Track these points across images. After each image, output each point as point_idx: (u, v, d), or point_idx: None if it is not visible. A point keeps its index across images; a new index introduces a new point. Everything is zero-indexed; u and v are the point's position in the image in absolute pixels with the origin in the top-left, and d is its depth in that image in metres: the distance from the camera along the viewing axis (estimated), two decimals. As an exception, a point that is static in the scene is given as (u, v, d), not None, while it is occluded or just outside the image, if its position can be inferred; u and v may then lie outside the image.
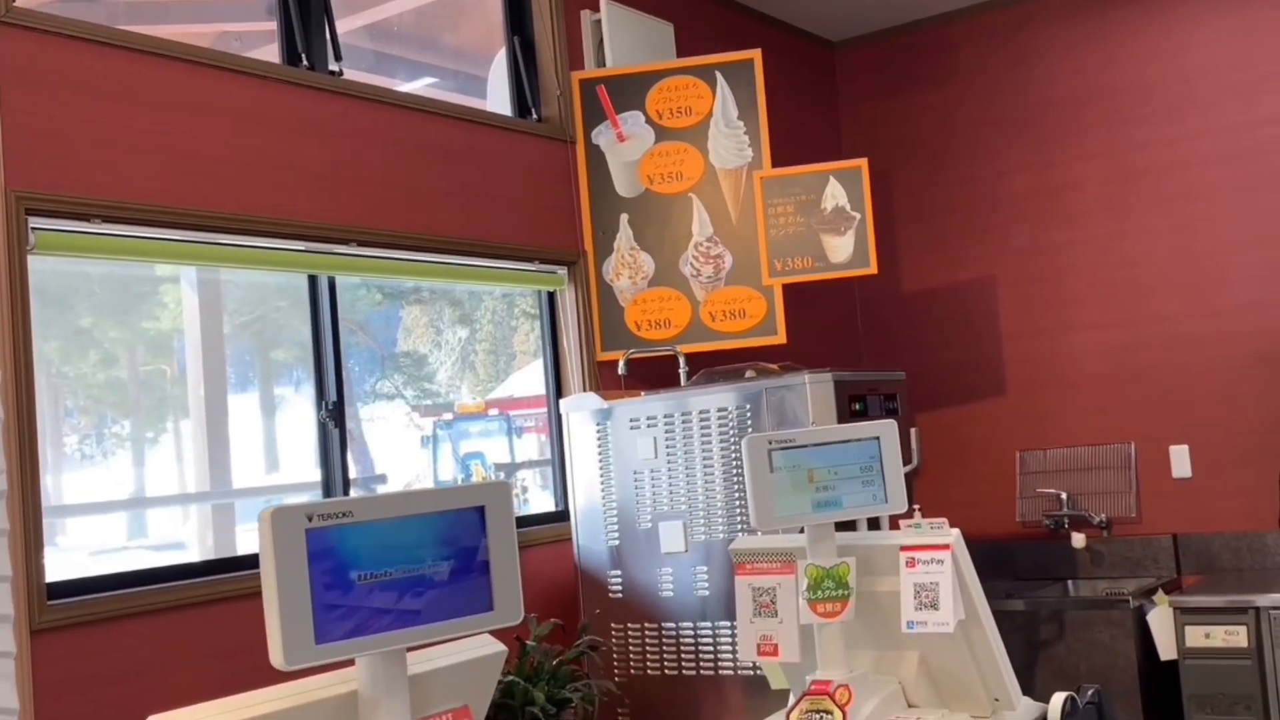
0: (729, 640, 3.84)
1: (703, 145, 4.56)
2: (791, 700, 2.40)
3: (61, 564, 3.09)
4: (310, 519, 1.52)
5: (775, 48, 5.49)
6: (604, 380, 4.51)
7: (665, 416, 3.97)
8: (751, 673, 3.76)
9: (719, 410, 3.88)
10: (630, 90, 4.59)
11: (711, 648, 3.88)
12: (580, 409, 4.15)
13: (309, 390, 3.77)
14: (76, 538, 3.31)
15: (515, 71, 4.57)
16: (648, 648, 4.01)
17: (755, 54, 4.58)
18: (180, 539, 3.54)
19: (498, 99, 4.58)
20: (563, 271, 4.53)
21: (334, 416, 3.75)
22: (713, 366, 4.24)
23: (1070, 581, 5.28)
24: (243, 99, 3.49)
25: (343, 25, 3.93)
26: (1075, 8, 5.47)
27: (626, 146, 4.58)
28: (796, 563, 2.40)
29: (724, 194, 4.56)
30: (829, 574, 2.35)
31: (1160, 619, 4.51)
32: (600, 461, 4.10)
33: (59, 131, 3.06)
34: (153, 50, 3.28)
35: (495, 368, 4.60)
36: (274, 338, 3.84)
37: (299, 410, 3.78)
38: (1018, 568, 5.43)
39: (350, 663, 1.61)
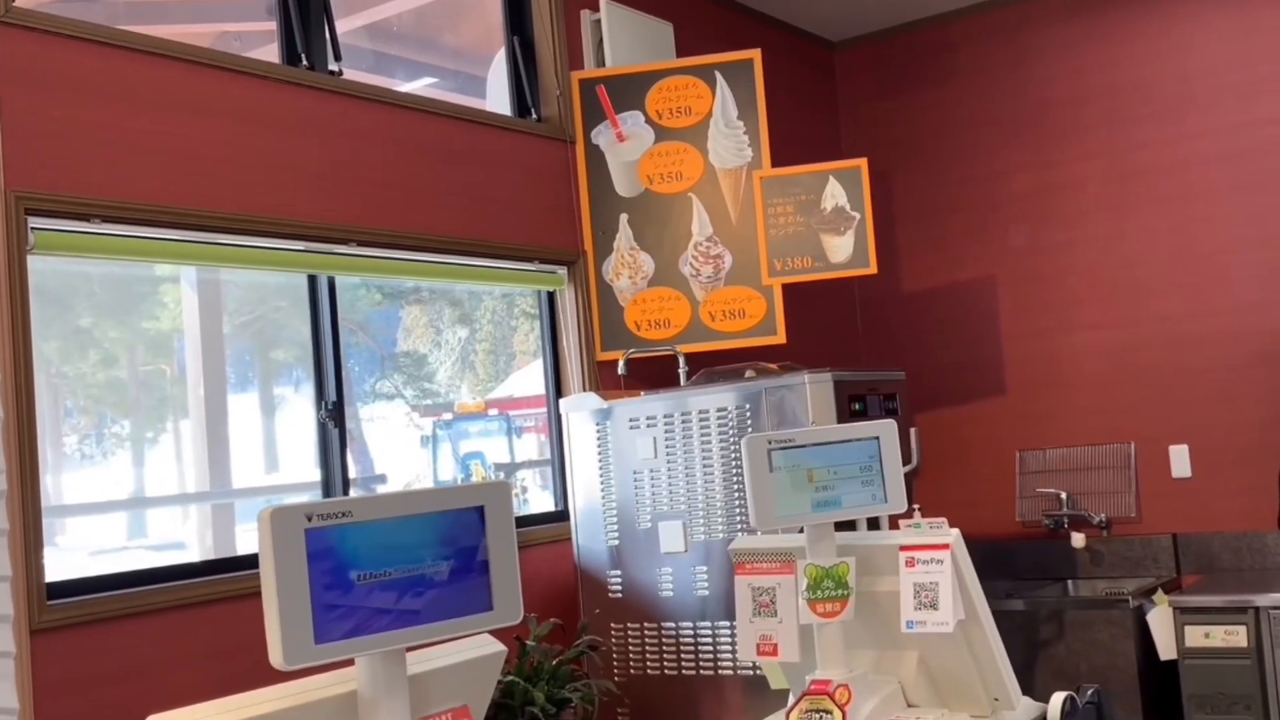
0: (729, 640, 3.84)
1: (702, 145, 4.56)
2: (791, 700, 2.40)
3: (61, 564, 3.09)
4: (310, 519, 1.52)
5: (775, 48, 5.49)
6: (604, 380, 4.51)
7: (665, 416, 3.97)
8: (751, 672, 3.76)
9: (719, 410, 3.88)
10: (630, 90, 4.59)
11: (711, 647, 3.88)
12: (580, 409, 4.15)
13: (309, 390, 3.77)
14: (76, 538, 3.31)
15: (515, 71, 4.57)
16: (647, 648, 4.01)
17: (755, 54, 4.58)
18: (180, 539, 3.54)
19: (497, 99, 4.58)
20: (562, 271, 4.53)
21: (334, 416, 3.75)
22: (712, 366, 4.24)
23: (1070, 581, 5.28)
24: (243, 99, 3.49)
25: (342, 25, 3.94)
26: (1075, 8, 5.47)
27: (626, 146, 4.58)
28: (796, 562, 2.40)
29: (724, 194, 4.56)
30: (828, 574, 2.35)
31: (1160, 619, 4.51)
32: (600, 461, 4.10)
33: (59, 131, 3.06)
34: (152, 50, 3.28)
35: (495, 368, 4.61)
36: (274, 338, 3.84)
37: (299, 410, 3.78)
38: (1017, 567, 5.43)
39: (350, 662, 1.61)
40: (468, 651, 1.78)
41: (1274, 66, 5.03)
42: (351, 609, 1.55)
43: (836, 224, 4.50)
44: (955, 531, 2.35)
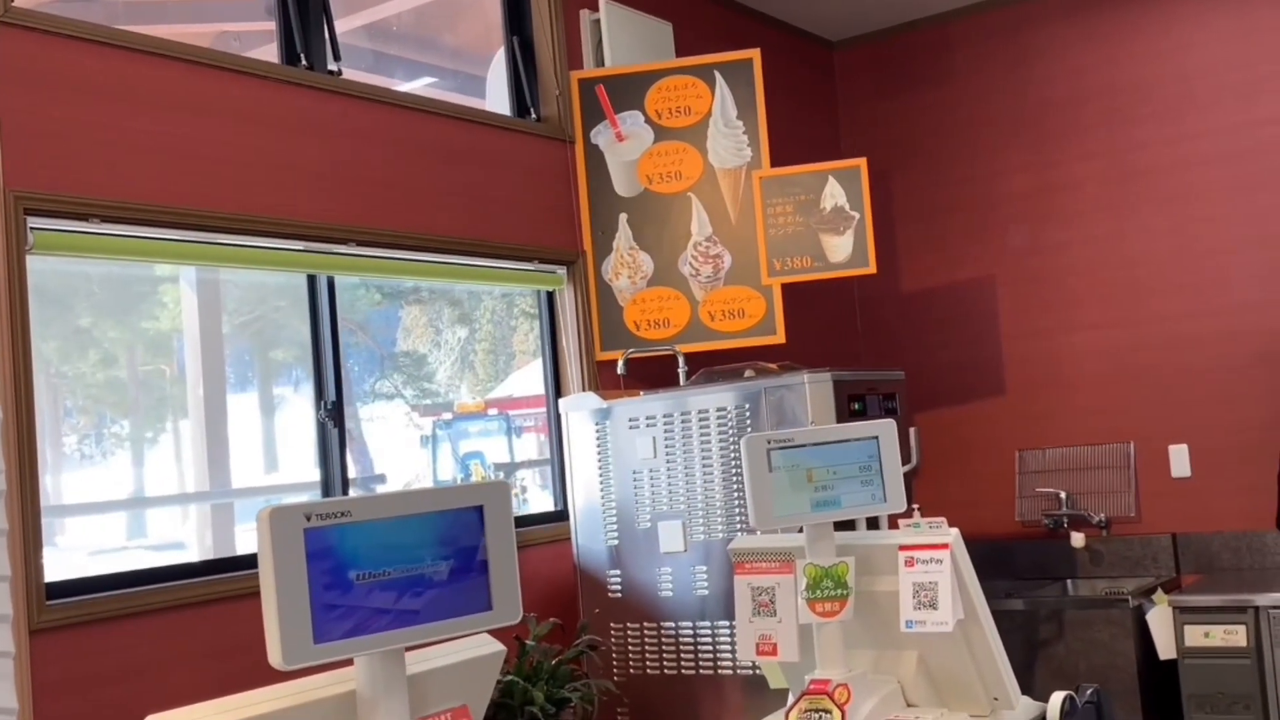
0: (728, 640, 3.84)
1: (702, 145, 4.56)
2: (790, 699, 2.40)
3: (61, 564, 3.09)
4: (309, 519, 1.52)
5: (774, 47, 5.49)
6: (603, 380, 4.51)
7: (664, 416, 3.97)
8: (750, 672, 3.76)
9: (718, 410, 3.88)
10: (629, 90, 4.59)
11: (710, 647, 3.88)
12: (579, 409, 4.15)
13: (308, 390, 3.77)
14: (76, 537, 3.32)
15: (514, 71, 4.57)
16: (647, 647, 4.01)
17: (754, 54, 4.58)
18: (179, 539, 3.55)
19: (497, 99, 4.58)
20: (562, 271, 4.53)
21: (333, 416, 3.75)
22: (712, 366, 4.24)
23: (1069, 581, 5.28)
24: (242, 99, 3.49)
25: (341, 25, 3.93)
26: (1074, 7, 5.47)
27: (625, 146, 4.58)
28: (795, 562, 2.40)
29: (723, 194, 4.56)
30: (828, 573, 2.35)
31: (1159, 618, 4.51)
32: (599, 461, 4.10)
33: (58, 131, 3.06)
34: (152, 50, 3.28)
35: (494, 367, 4.61)
36: (273, 337, 3.84)
37: (298, 410, 3.78)
38: (1017, 567, 5.43)
39: (349, 662, 1.61)
40: (467, 651, 1.78)
41: (1273, 66, 5.03)
42: (351, 609, 1.55)
43: (836, 224, 4.50)
44: (954, 531, 2.35)
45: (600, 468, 4.10)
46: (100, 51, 3.16)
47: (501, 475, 4.52)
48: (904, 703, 2.42)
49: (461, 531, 1.67)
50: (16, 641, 2.78)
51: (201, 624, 3.20)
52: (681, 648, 3.93)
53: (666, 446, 3.96)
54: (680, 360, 4.35)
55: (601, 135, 4.59)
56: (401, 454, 4.24)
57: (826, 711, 2.29)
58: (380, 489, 4.07)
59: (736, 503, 3.82)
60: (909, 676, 2.42)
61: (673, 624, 3.95)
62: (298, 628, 1.49)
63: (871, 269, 4.50)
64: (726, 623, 3.84)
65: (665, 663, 3.97)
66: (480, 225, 4.17)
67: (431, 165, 4.03)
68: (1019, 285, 5.58)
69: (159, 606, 3.12)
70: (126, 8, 3.55)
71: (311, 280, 3.79)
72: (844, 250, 4.50)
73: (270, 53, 3.76)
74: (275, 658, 1.48)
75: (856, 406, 3.86)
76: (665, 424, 3.97)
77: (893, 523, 2.72)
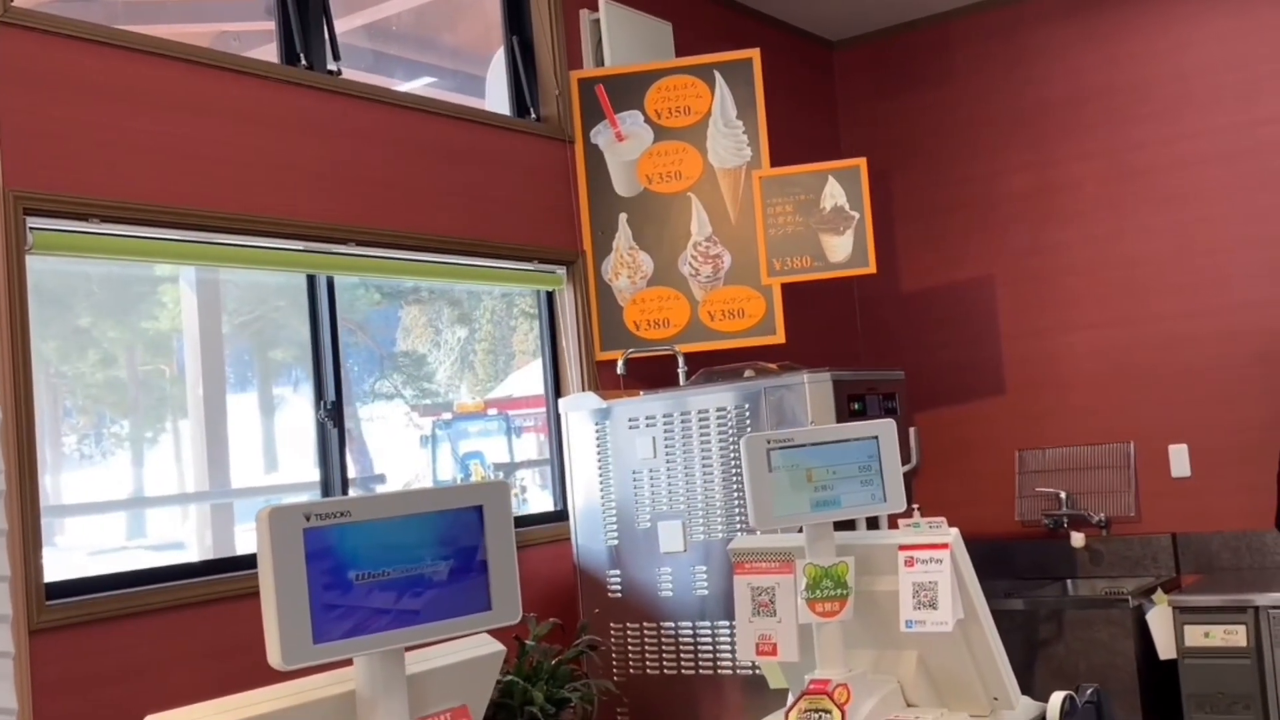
0: (728, 640, 3.84)
1: (701, 145, 4.56)
2: (790, 699, 2.40)
3: (60, 564, 3.08)
4: (308, 519, 1.52)
5: (774, 47, 5.49)
6: (603, 380, 4.51)
7: (664, 416, 3.97)
8: (750, 672, 3.76)
9: (718, 410, 3.88)
10: (629, 90, 4.59)
11: (710, 647, 3.88)
12: (579, 409, 4.15)
13: (308, 390, 3.77)
14: (75, 537, 3.31)
15: (514, 71, 4.57)
16: (647, 647, 4.01)
17: (754, 53, 4.58)
18: (179, 539, 3.54)
19: (496, 98, 4.58)
20: (561, 271, 4.53)
21: (332, 416, 3.75)
22: (711, 366, 4.24)
23: (1069, 581, 5.28)
24: (242, 99, 3.48)
25: (341, 25, 3.93)
26: (1073, 7, 5.47)
27: (625, 146, 4.58)
28: (795, 562, 2.40)
29: (723, 193, 4.56)
30: (827, 573, 2.35)
31: (1159, 618, 4.51)
32: (599, 461, 4.10)
33: (57, 131, 3.06)
34: (152, 50, 3.28)
35: (494, 367, 4.61)
36: (273, 337, 3.84)
37: (298, 410, 3.78)
38: (1017, 567, 5.43)
39: (348, 662, 1.61)
40: (466, 651, 1.78)
41: (1272, 66, 5.03)
42: (350, 609, 1.55)
43: (835, 223, 4.50)
44: (954, 531, 2.35)
45: (600, 468, 4.10)
46: (100, 51, 3.16)
47: (501, 475, 4.52)
48: (904, 703, 2.42)
49: (461, 531, 1.67)
50: (16, 641, 2.78)
51: (201, 624, 3.20)
52: (681, 648, 3.93)
53: (666, 446, 3.96)
54: (680, 360, 4.34)
55: (601, 135, 4.59)
56: (401, 454, 4.24)
57: (826, 711, 2.29)
58: (380, 489, 4.07)
59: (736, 503, 3.82)
60: (909, 676, 2.42)
61: (672, 624, 3.95)
62: (297, 628, 1.49)
63: (871, 269, 4.50)
64: (726, 623, 3.84)
65: (665, 663, 3.97)
66: (480, 225, 4.17)
67: (431, 165, 4.03)
68: (1019, 285, 5.58)
69: (159, 606, 3.12)
70: (126, 8, 3.55)
71: (311, 280, 3.79)
72: (844, 250, 4.49)
73: (270, 53, 3.76)
74: (275, 658, 1.48)
75: (856, 406, 3.86)
76: (665, 424, 3.97)
77: (892, 522, 2.72)
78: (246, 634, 3.26)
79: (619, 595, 4.07)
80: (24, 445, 2.87)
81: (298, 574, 1.50)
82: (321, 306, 3.79)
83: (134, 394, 3.48)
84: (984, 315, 5.66)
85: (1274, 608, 4.33)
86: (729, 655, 3.84)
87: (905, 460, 3.02)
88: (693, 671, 3.92)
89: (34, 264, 3.02)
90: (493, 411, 4.53)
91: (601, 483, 4.09)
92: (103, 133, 3.14)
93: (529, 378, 4.61)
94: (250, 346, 3.80)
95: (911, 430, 3.99)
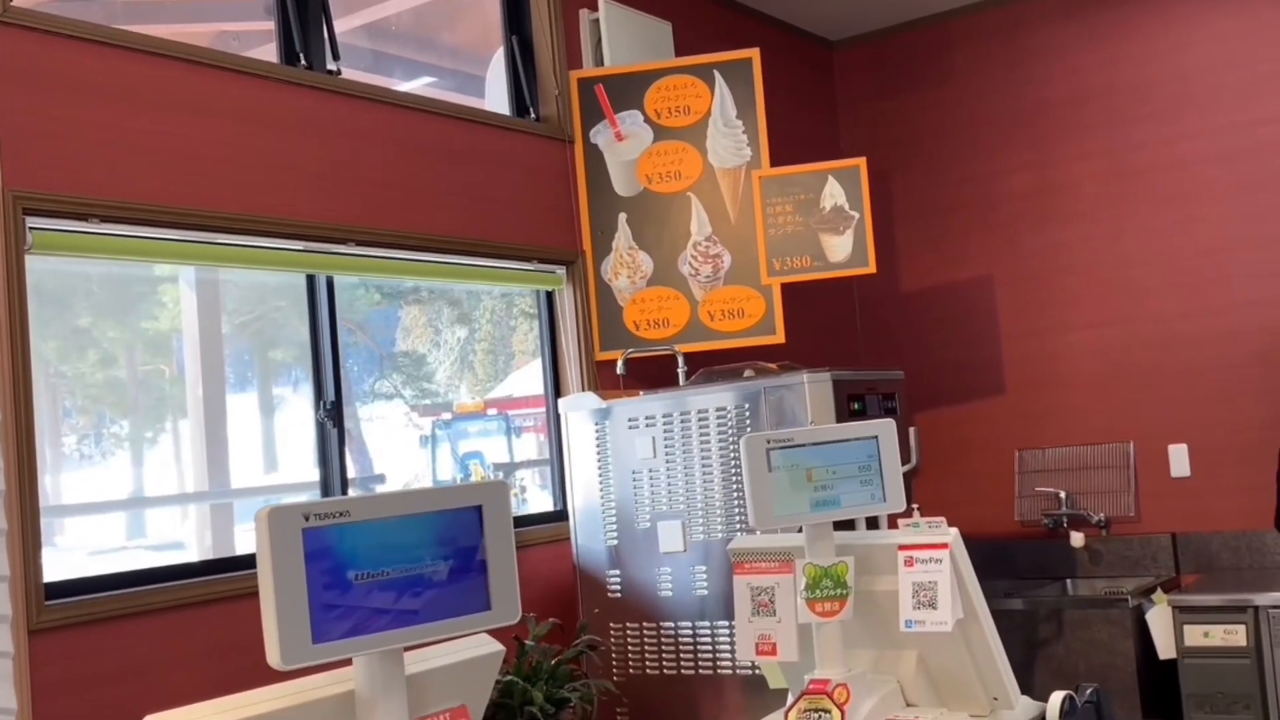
0: (727, 640, 3.84)
1: (701, 144, 4.56)
2: (790, 699, 2.40)
3: (60, 564, 3.08)
4: (307, 519, 1.52)
5: (774, 47, 5.49)
6: (602, 380, 4.51)
7: (664, 416, 3.97)
8: (750, 672, 3.76)
9: (717, 410, 3.88)
10: (628, 89, 4.59)
11: (710, 647, 3.88)
12: (579, 408, 4.15)
13: (307, 390, 3.77)
14: (75, 538, 3.31)
15: (513, 71, 4.57)
16: (646, 647, 4.01)
17: (754, 53, 4.58)
18: (179, 539, 3.54)
19: (496, 98, 4.58)
20: (561, 271, 4.53)
21: (332, 416, 3.75)
22: (711, 366, 4.24)
23: (1069, 580, 5.28)
24: (242, 99, 3.48)
25: (340, 24, 3.93)
26: (1073, 7, 5.47)
27: (625, 146, 4.58)
28: (795, 562, 2.40)
29: (722, 193, 4.56)
30: (827, 573, 2.35)
31: (1159, 618, 4.51)
32: (599, 461, 4.10)
33: (57, 131, 3.06)
34: (151, 50, 3.28)
35: (494, 367, 4.60)
36: (272, 337, 3.84)
37: (297, 410, 3.78)
38: (1016, 567, 5.43)
39: (347, 662, 1.61)
40: (466, 651, 1.78)
41: (1272, 66, 5.03)
42: (350, 609, 1.54)
43: (835, 223, 4.50)
44: (954, 531, 2.35)
45: (600, 468, 4.10)
46: (99, 51, 3.16)
47: (501, 475, 4.52)
48: (903, 702, 2.42)
49: (460, 531, 1.67)
50: (15, 642, 2.78)
51: (201, 624, 3.20)
52: (681, 648, 3.93)
53: (666, 446, 3.96)
54: (680, 360, 4.35)
55: (601, 135, 4.59)
56: (401, 454, 4.23)
57: (826, 711, 2.29)
58: (379, 489, 4.07)
59: (736, 503, 3.82)
60: (908, 676, 2.42)
61: (672, 624, 3.95)
62: (296, 628, 1.49)
63: (871, 269, 4.50)
64: (726, 623, 3.84)
65: (665, 663, 3.97)
66: (480, 225, 4.17)
67: (431, 165, 4.03)
68: (1019, 285, 5.58)
69: (158, 606, 3.12)
70: (125, 7, 3.55)
71: (310, 280, 3.79)
72: (843, 250, 4.49)
73: (269, 52, 3.76)
74: (274, 658, 1.48)
75: (856, 406, 3.86)
76: (665, 424, 3.97)
77: (892, 522, 2.72)
78: (246, 634, 3.26)
79: (618, 595, 4.07)
80: (24, 445, 2.87)
81: (297, 574, 1.50)
82: (321, 306, 3.79)
83: (134, 394, 3.48)
84: (984, 315, 5.66)
85: (1274, 607, 4.33)
86: (729, 655, 3.84)
87: (905, 460, 3.02)
88: (692, 671, 3.92)
89: (34, 264, 3.02)
90: (492, 411, 4.53)
91: (601, 483, 4.09)
92: (102, 133, 3.14)
93: (529, 378, 4.61)
94: (250, 346, 3.80)
95: (911, 430, 3.99)
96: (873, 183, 4.93)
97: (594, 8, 4.66)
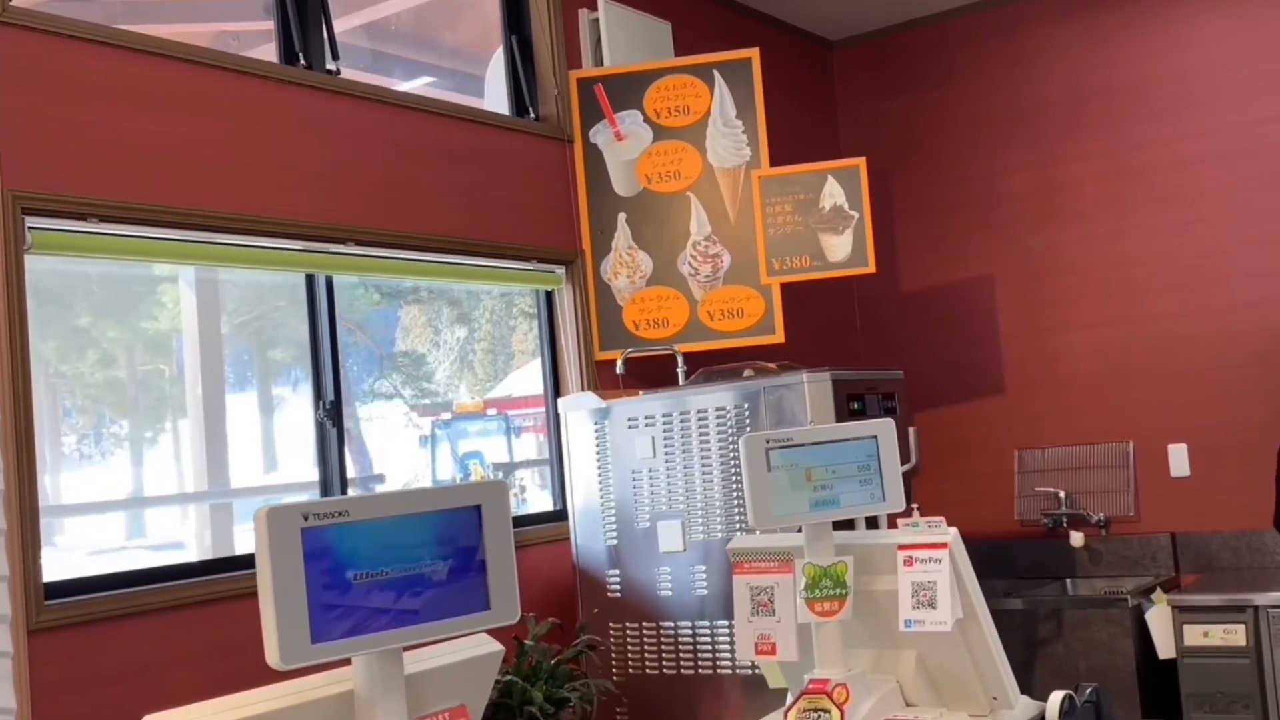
0: (727, 639, 3.84)
1: (701, 144, 4.56)
2: (789, 699, 2.40)
3: (60, 564, 3.08)
4: (306, 518, 1.52)
5: (773, 47, 5.49)
6: (602, 380, 4.51)
7: (663, 416, 3.97)
8: (750, 672, 3.76)
9: (717, 409, 3.88)
10: (628, 89, 4.59)
11: (710, 647, 3.88)
12: (578, 408, 4.15)
13: (307, 390, 3.77)
14: (75, 537, 3.31)
15: (513, 70, 4.56)
16: (646, 647, 4.01)
17: (753, 53, 4.58)
18: (178, 539, 3.54)
19: (495, 98, 4.58)
20: (561, 271, 4.53)
21: (331, 416, 3.75)
22: (711, 366, 4.24)
23: (1069, 580, 5.28)
24: (242, 99, 3.48)
25: (340, 24, 3.93)
26: (1072, 7, 5.47)
27: (624, 145, 4.58)
28: (794, 561, 2.40)
29: (722, 193, 4.56)
30: (826, 573, 2.35)
31: (1159, 618, 4.51)
32: (598, 461, 4.10)
33: (56, 131, 3.06)
34: (151, 50, 3.28)
35: (493, 367, 4.60)
36: (272, 337, 3.84)
37: (297, 410, 3.78)
38: (1016, 566, 5.43)
39: (346, 662, 1.61)
40: (465, 651, 1.78)
41: (1271, 66, 5.03)
42: (349, 609, 1.54)
43: (835, 223, 4.50)
44: (953, 530, 2.35)
45: (599, 467, 4.10)
46: (99, 51, 3.16)
47: (500, 475, 4.52)
48: (903, 702, 2.42)
49: (459, 531, 1.66)
50: (15, 641, 2.78)
51: (200, 624, 3.20)
52: (680, 647, 3.93)
53: (665, 446, 3.96)
54: (679, 360, 4.35)
55: (600, 135, 4.59)
56: (400, 454, 4.23)
57: (825, 711, 2.29)
58: (379, 489, 4.07)
59: (735, 502, 3.82)
60: (908, 676, 2.42)
61: (672, 624, 3.95)
62: (295, 627, 1.49)
63: (870, 268, 4.50)
64: (725, 622, 3.84)
65: (664, 662, 3.97)
66: (479, 225, 4.17)
67: (431, 165, 4.03)
68: (1018, 284, 5.58)
69: (158, 606, 3.12)
70: (125, 7, 3.55)
71: (310, 280, 3.79)
72: (843, 250, 4.49)
73: (269, 52, 3.76)
74: (273, 658, 1.48)
75: (856, 406, 3.86)
76: (664, 424, 3.97)
77: (892, 522, 2.72)
78: (245, 634, 3.26)
79: (618, 595, 4.07)
80: (23, 445, 2.87)
81: (296, 574, 1.50)
82: (320, 306, 3.79)
83: (133, 394, 3.48)
84: (983, 315, 5.66)
85: (1273, 607, 4.33)
86: (728, 655, 3.84)
87: (904, 460, 3.02)
88: (692, 671, 3.92)
89: (33, 264, 3.02)
90: (492, 411, 4.53)
91: (601, 482, 4.09)
92: (102, 133, 3.14)
93: (528, 377, 4.61)
94: (249, 346, 3.80)
95: (911, 430, 3.99)
96: (872, 182, 4.93)
97: (593, 7, 4.66)
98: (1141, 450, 5.26)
